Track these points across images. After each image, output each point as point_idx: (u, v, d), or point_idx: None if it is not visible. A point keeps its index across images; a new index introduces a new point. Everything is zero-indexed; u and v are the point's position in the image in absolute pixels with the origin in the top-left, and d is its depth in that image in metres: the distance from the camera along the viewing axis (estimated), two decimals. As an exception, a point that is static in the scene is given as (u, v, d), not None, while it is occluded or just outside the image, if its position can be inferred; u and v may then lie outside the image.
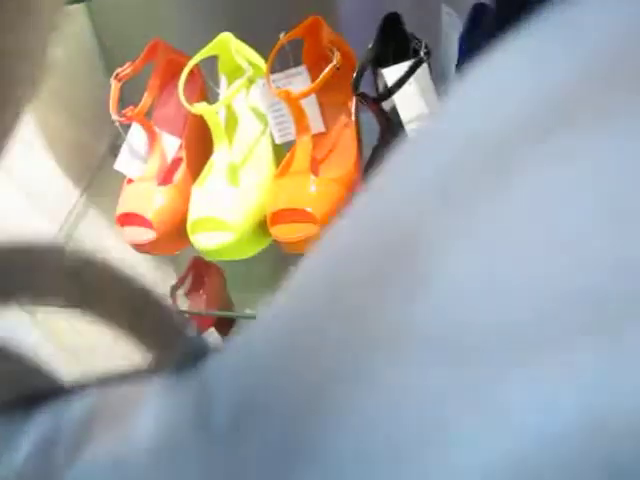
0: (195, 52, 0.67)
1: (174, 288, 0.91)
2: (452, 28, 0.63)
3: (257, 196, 0.64)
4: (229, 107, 0.68)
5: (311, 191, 0.60)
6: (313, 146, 0.63)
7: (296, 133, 0.62)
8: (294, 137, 0.64)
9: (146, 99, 0.67)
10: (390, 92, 0.56)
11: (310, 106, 0.62)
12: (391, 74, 0.58)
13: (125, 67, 0.69)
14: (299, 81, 0.62)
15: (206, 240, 0.63)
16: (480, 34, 0.64)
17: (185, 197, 0.67)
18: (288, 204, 0.60)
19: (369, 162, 0.64)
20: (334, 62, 0.58)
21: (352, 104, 0.66)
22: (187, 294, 0.94)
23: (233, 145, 0.68)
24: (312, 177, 0.61)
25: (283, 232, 0.60)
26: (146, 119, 0.69)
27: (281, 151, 0.68)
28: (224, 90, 0.70)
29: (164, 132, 0.70)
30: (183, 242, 0.68)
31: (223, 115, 0.67)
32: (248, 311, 1.01)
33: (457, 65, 0.63)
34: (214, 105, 0.64)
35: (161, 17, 0.77)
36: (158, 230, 0.65)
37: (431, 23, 0.62)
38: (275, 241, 0.62)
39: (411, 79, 0.57)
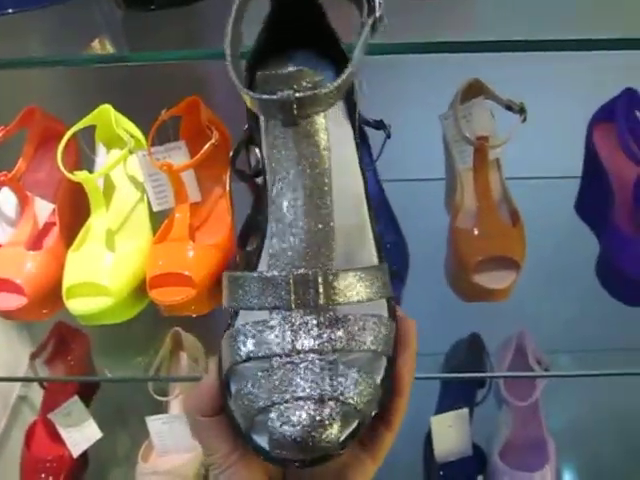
0: (70, 118, 0.69)
1: (34, 355, 0.87)
2: (315, 115, 0.72)
3: (134, 261, 0.66)
4: (107, 175, 0.71)
5: (189, 256, 0.64)
6: (190, 214, 0.67)
7: (175, 202, 0.66)
8: (171, 205, 0.68)
9: (20, 165, 0.67)
10: (264, 170, 0.63)
11: (188, 178, 0.67)
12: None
13: (-5, 138, 0.68)
14: (177, 154, 0.66)
15: (83, 305, 0.63)
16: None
17: (58, 262, 0.67)
18: (168, 268, 0.63)
19: (243, 228, 0.69)
20: (212, 140, 0.64)
21: (227, 177, 0.72)
22: (48, 361, 0.91)
23: (110, 211, 0.70)
24: (190, 243, 0.65)
25: (163, 295, 0.63)
26: (19, 183, 0.69)
27: (156, 218, 0.71)
28: (102, 158, 0.72)
29: (36, 197, 0.70)
30: (54, 308, 0.67)
31: (101, 182, 0.69)
32: (111, 375, 0.99)
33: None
34: (96, 173, 0.66)
35: (41, 84, 0.78)
36: (29, 296, 0.64)
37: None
38: (153, 304, 0.64)
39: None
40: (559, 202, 0.80)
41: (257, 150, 0.65)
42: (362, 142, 0.77)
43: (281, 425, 0.28)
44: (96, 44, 0.58)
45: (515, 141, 0.66)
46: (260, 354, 0.30)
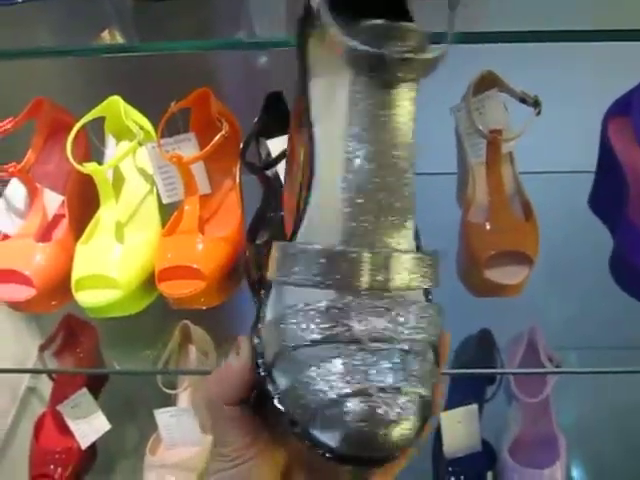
0: (80, 110, 0.69)
1: (42, 347, 0.87)
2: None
3: (143, 253, 0.66)
4: (117, 167, 0.70)
5: (198, 249, 0.64)
6: (200, 207, 0.66)
7: (184, 194, 0.66)
8: (181, 197, 0.67)
9: (29, 156, 0.67)
10: (274, 162, 0.62)
11: (198, 170, 0.66)
12: (274, 145, 0.64)
13: (5, 122, 0.68)
14: (187, 146, 0.66)
15: (92, 297, 0.63)
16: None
17: (67, 254, 0.66)
18: (177, 261, 0.62)
19: (253, 222, 0.69)
20: (223, 132, 0.63)
21: (236, 169, 0.71)
22: (56, 353, 0.91)
23: (119, 203, 0.70)
24: (200, 236, 0.64)
25: (171, 288, 0.62)
26: (28, 174, 0.68)
27: (165, 210, 0.71)
28: (111, 150, 0.72)
29: (46, 188, 0.70)
30: (63, 299, 0.67)
31: (110, 174, 0.69)
32: (119, 367, 0.99)
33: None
34: (104, 165, 0.66)
35: (50, 75, 0.78)
36: (38, 287, 0.64)
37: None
38: (162, 297, 0.64)
39: (293, 151, 0.63)
40: (572, 197, 0.79)
41: (267, 142, 0.65)
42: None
43: (355, 419, 0.25)
44: (105, 34, 0.57)
45: (528, 134, 0.65)
46: (326, 339, 0.26)
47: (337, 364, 0.26)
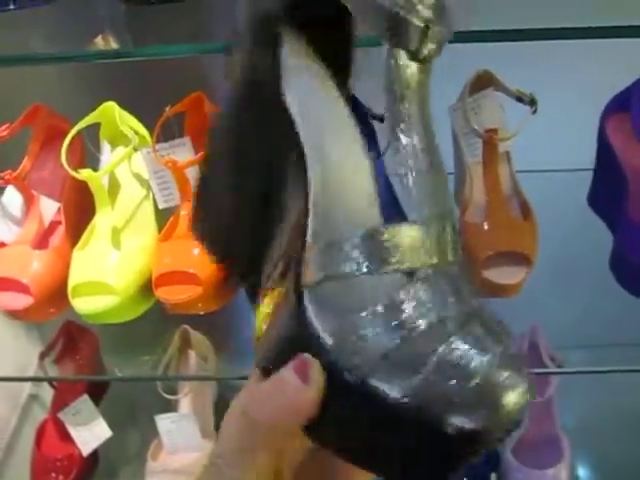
0: (74, 116, 0.69)
1: (43, 354, 0.87)
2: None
3: (140, 259, 0.66)
4: (112, 173, 0.70)
5: (195, 254, 0.63)
6: (196, 211, 0.66)
7: (180, 199, 0.66)
8: (177, 202, 0.67)
9: (25, 163, 0.67)
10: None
11: (194, 174, 0.66)
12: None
13: (1, 129, 0.68)
14: (182, 151, 0.66)
15: (88, 304, 0.63)
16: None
17: (64, 261, 0.66)
18: (174, 267, 0.62)
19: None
20: (218, 136, 0.63)
21: (233, 173, 0.71)
22: (57, 360, 0.91)
23: (115, 209, 0.69)
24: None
25: (169, 293, 0.62)
26: (24, 182, 0.68)
27: (162, 216, 0.70)
28: (106, 156, 0.72)
29: (42, 195, 0.70)
30: (61, 307, 0.67)
31: (106, 180, 0.69)
32: (120, 373, 0.99)
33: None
34: (99, 172, 0.65)
35: (45, 80, 0.78)
36: (35, 295, 0.64)
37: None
38: (160, 302, 0.64)
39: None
40: (571, 195, 0.79)
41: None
42: (369, 136, 0.76)
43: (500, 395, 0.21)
44: (99, 40, 0.57)
45: (526, 133, 0.65)
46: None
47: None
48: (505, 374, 0.22)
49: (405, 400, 0.21)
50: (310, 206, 0.26)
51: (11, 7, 0.55)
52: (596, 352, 0.86)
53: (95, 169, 0.66)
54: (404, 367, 0.22)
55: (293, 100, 0.27)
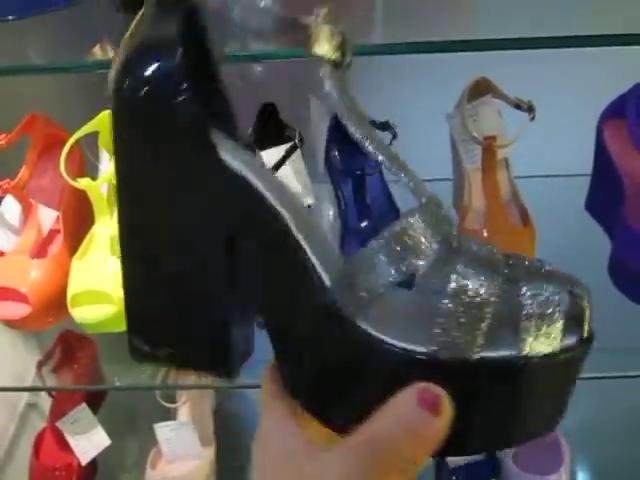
0: (72, 125, 0.68)
1: (41, 364, 0.87)
2: (320, 117, 0.71)
3: (139, 267, 0.66)
4: (111, 181, 0.70)
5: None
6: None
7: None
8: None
9: (23, 172, 0.67)
10: (269, 173, 0.62)
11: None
12: (269, 156, 0.64)
13: (-1, 138, 0.68)
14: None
15: (87, 313, 0.62)
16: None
17: (63, 270, 0.66)
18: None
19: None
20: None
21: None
22: (55, 369, 0.90)
23: (114, 218, 0.69)
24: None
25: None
26: (22, 191, 0.68)
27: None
28: (105, 164, 0.72)
29: (40, 204, 0.70)
30: (59, 316, 0.67)
31: (105, 189, 0.69)
32: (118, 382, 0.98)
33: (326, 150, 0.72)
34: (98, 180, 0.65)
35: (42, 89, 0.78)
36: (34, 304, 0.63)
37: (302, 112, 0.70)
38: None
39: (286, 162, 0.63)
40: (569, 200, 0.79)
41: (261, 153, 0.65)
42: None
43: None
44: (97, 49, 0.57)
45: (524, 139, 0.65)
46: None
47: None
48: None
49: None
50: (310, 256, 0.25)
51: (10, 18, 0.55)
52: (595, 357, 0.86)
53: (94, 178, 0.66)
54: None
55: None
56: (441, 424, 0.22)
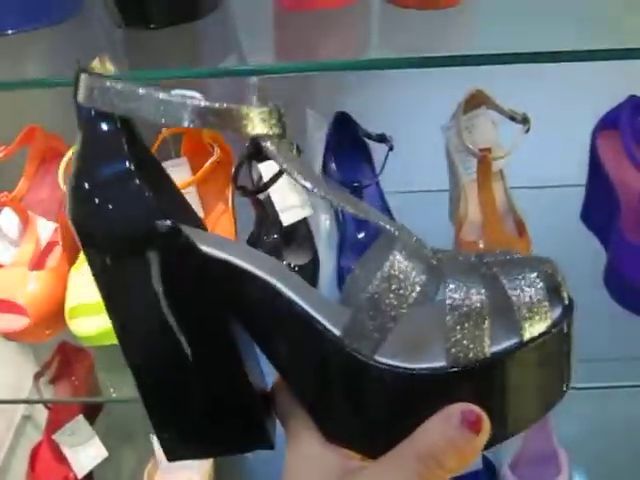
0: (70, 137, 0.69)
1: (38, 375, 0.87)
2: (316, 129, 0.72)
3: (137, 279, 0.66)
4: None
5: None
6: (193, 231, 0.66)
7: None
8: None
9: (22, 185, 0.67)
10: (267, 185, 0.62)
11: (190, 194, 0.66)
12: (267, 169, 0.64)
13: (-3, 151, 0.68)
14: (179, 171, 0.66)
15: (85, 326, 0.63)
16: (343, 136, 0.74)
17: (61, 282, 0.66)
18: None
19: (247, 244, 0.69)
20: (215, 157, 0.63)
21: (229, 193, 0.71)
22: (52, 381, 0.90)
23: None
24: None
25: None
26: (20, 203, 0.68)
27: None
28: (103, 177, 0.72)
29: (38, 216, 0.70)
30: (57, 328, 0.67)
31: (102, 201, 0.69)
32: (115, 393, 0.98)
33: (323, 161, 0.72)
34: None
35: (41, 102, 0.78)
36: (32, 316, 0.64)
37: (299, 124, 0.71)
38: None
39: (284, 174, 0.64)
40: (565, 211, 0.79)
41: (259, 166, 0.65)
42: (365, 156, 0.77)
43: None
44: (96, 64, 0.57)
45: (519, 150, 0.66)
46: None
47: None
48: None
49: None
50: (314, 314, 0.27)
51: (9, 32, 0.55)
52: (592, 367, 0.86)
53: (92, 190, 0.67)
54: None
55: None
56: (481, 441, 0.25)
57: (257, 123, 0.26)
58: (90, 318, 0.63)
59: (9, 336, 0.65)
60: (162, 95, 0.25)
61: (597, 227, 0.75)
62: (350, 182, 0.68)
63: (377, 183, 0.74)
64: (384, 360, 0.26)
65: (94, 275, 0.29)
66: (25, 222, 0.69)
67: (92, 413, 0.90)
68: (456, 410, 0.25)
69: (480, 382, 0.26)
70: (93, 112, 0.26)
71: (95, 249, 0.28)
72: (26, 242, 0.69)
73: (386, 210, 0.73)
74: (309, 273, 0.66)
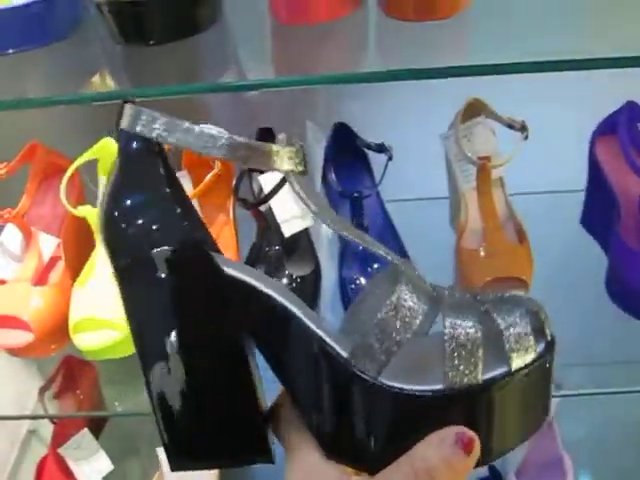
0: (71, 153, 0.69)
1: (43, 390, 0.87)
2: (316, 141, 0.72)
3: (140, 293, 0.66)
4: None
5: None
6: (195, 244, 0.66)
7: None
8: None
9: (24, 201, 0.68)
10: (268, 197, 0.63)
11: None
12: (267, 180, 0.64)
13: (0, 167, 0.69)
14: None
15: (90, 340, 0.63)
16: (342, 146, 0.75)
17: (64, 296, 0.67)
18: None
19: (249, 257, 0.69)
20: (215, 170, 0.64)
21: (230, 205, 0.72)
22: (57, 395, 0.90)
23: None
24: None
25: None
26: (23, 219, 0.69)
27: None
28: (104, 191, 0.72)
29: (41, 232, 0.70)
30: (61, 343, 0.67)
31: (105, 216, 0.69)
32: (119, 406, 0.98)
33: (323, 172, 0.73)
34: (98, 207, 0.66)
35: (42, 118, 0.79)
36: (36, 332, 0.64)
37: (298, 136, 0.71)
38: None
39: (285, 186, 0.64)
40: (565, 216, 0.80)
41: (259, 178, 0.66)
42: (364, 166, 0.78)
43: None
44: (96, 80, 0.58)
45: (518, 156, 0.66)
46: None
47: None
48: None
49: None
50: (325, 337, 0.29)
51: (9, 52, 0.56)
52: (595, 371, 0.86)
53: (94, 205, 0.67)
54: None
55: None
56: (472, 461, 0.28)
57: (285, 160, 0.29)
58: (94, 332, 0.63)
59: (14, 352, 0.65)
60: (204, 129, 0.28)
61: (597, 232, 0.75)
62: (350, 192, 0.69)
63: (377, 193, 0.74)
64: (387, 381, 0.28)
65: (122, 292, 0.30)
66: (28, 238, 0.69)
67: (97, 426, 0.90)
68: (451, 431, 0.27)
69: (472, 405, 0.28)
70: (134, 139, 0.29)
71: (125, 269, 0.29)
72: (29, 258, 0.69)
73: (387, 219, 0.73)
74: (311, 284, 0.66)
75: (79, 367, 0.91)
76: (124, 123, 0.29)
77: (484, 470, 0.83)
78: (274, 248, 0.67)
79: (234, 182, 0.66)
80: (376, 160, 0.75)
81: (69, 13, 0.58)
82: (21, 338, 0.64)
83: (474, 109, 0.70)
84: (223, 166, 0.66)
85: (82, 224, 0.68)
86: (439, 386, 0.28)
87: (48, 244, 0.71)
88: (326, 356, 0.29)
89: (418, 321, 0.28)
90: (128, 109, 0.29)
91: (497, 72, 0.49)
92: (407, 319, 0.28)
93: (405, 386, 0.28)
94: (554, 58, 0.48)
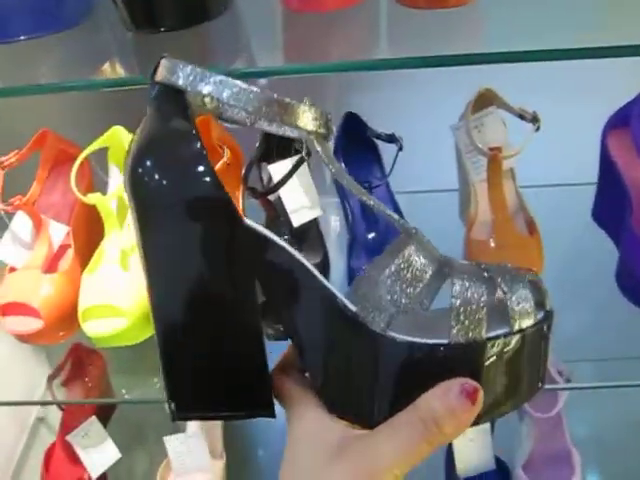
0: (81, 141, 0.69)
1: (51, 377, 0.87)
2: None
3: (149, 281, 0.66)
4: (120, 196, 0.71)
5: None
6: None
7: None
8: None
9: (34, 189, 0.68)
10: (277, 187, 0.62)
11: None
12: (276, 170, 0.64)
13: (10, 156, 0.69)
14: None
15: (99, 327, 0.63)
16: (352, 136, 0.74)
17: (74, 284, 0.67)
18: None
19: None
20: (225, 158, 0.64)
21: (239, 194, 0.71)
22: (65, 383, 0.91)
23: (124, 232, 0.70)
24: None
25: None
26: (33, 207, 0.69)
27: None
28: (114, 179, 0.73)
29: (51, 219, 0.70)
30: (71, 330, 0.67)
31: (114, 203, 0.70)
32: (127, 395, 0.99)
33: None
34: (108, 195, 0.66)
35: (52, 106, 0.79)
36: (46, 319, 0.64)
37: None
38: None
39: (294, 175, 0.64)
40: (576, 209, 0.79)
41: (269, 167, 0.65)
42: (374, 156, 0.77)
43: None
44: (107, 67, 0.58)
45: (529, 148, 0.66)
46: None
47: None
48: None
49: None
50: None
51: (21, 38, 0.56)
52: (604, 365, 0.86)
53: (104, 193, 0.67)
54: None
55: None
56: (476, 410, 0.28)
57: (310, 121, 0.30)
58: (103, 320, 0.63)
59: (23, 338, 0.65)
60: (238, 82, 0.29)
61: (608, 225, 0.75)
62: (359, 182, 0.68)
63: (387, 184, 0.74)
64: (395, 334, 0.29)
65: (141, 236, 0.30)
66: (38, 225, 0.70)
67: (105, 414, 0.91)
68: (456, 382, 0.28)
69: (474, 361, 0.29)
70: (165, 92, 0.30)
71: (150, 213, 0.30)
72: (39, 245, 0.69)
73: (396, 210, 0.73)
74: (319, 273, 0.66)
75: (88, 355, 0.91)
76: (159, 76, 0.30)
77: (490, 463, 0.82)
78: (283, 238, 0.66)
79: (243, 171, 0.66)
80: (385, 151, 0.75)
81: (81, 0, 0.58)
82: (31, 325, 0.64)
83: (485, 99, 0.70)
84: (232, 154, 0.66)
85: (92, 212, 0.68)
86: (444, 340, 0.29)
87: (58, 232, 0.71)
88: (335, 308, 0.29)
89: (428, 276, 0.29)
90: (164, 62, 0.30)
91: (510, 60, 0.48)
92: (418, 272, 0.29)
93: (412, 339, 0.29)
94: (567, 46, 0.48)
